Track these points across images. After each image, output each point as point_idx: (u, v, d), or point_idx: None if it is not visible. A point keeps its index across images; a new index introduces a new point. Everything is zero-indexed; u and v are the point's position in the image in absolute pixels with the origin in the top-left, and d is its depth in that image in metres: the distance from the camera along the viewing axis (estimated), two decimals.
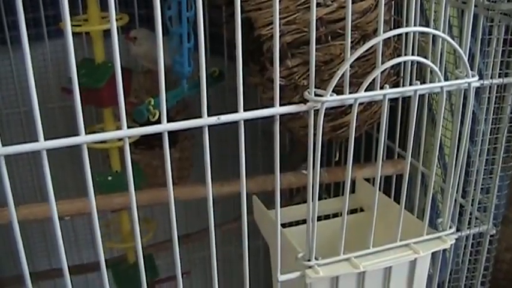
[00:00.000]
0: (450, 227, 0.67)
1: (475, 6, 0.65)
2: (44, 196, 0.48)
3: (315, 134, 0.53)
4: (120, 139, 0.49)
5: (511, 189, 0.84)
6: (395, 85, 0.78)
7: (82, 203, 0.71)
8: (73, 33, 0.45)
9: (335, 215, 0.80)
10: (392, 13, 0.78)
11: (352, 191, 0.83)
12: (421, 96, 0.72)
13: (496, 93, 0.74)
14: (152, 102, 0.70)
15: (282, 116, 0.53)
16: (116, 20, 0.46)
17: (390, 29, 0.73)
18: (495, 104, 0.75)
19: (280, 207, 0.57)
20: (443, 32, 0.58)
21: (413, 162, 0.75)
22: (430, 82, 0.59)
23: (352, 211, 0.82)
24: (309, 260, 0.60)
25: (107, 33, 0.63)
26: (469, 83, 0.59)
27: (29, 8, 1.03)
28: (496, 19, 0.71)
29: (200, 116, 0.50)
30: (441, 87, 0.58)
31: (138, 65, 1.01)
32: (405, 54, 0.74)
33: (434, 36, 0.66)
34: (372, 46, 0.52)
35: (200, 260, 1.35)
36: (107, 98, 0.79)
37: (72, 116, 0.46)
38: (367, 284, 0.64)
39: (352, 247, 0.62)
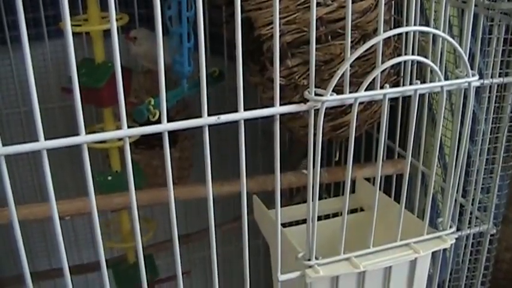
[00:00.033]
0: (450, 227, 0.67)
1: (475, 5, 0.65)
2: (44, 196, 0.48)
3: (315, 134, 0.53)
4: (120, 139, 0.49)
5: (511, 188, 0.84)
6: (396, 85, 0.78)
7: (82, 203, 0.71)
8: (73, 33, 0.45)
9: (335, 215, 0.80)
10: (393, 13, 0.78)
11: (353, 190, 0.83)
12: (421, 96, 0.72)
13: (496, 92, 0.74)
14: (152, 102, 0.70)
15: (282, 115, 0.53)
16: (116, 20, 0.46)
17: (390, 29, 0.73)
18: (495, 103, 0.75)
19: (281, 206, 0.57)
20: (444, 31, 0.58)
21: (413, 162, 0.75)
22: (430, 82, 0.59)
23: (353, 211, 0.82)
24: (309, 260, 0.60)
25: (107, 33, 0.63)
26: (469, 83, 0.59)
27: (29, 8, 1.03)
28: (496, 18, 0.71)
29: (200, 116, 0.50)
30: (441, 87, 0.58)
31: (138, 64, 1.01)
32: (405, 54, 0.74)
33: (434, 35, 0.66)
34: (372, 46, 0.52)
35: (200, 259, 1.35)
36: (107, 98, 0.79)
37: (72, 116, 0.46)
38: (367, 284, 0.64)
39: (352, 247, 0.62)
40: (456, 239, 0.69)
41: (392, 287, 0.66)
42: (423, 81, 0.62)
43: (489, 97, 0.74)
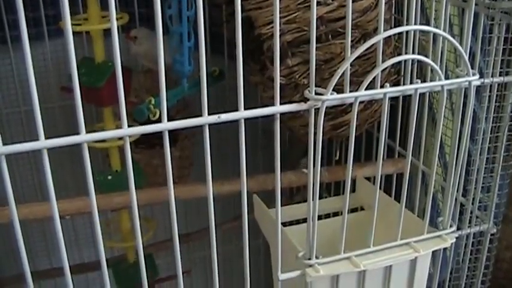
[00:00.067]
0: (451, 226, 0.67)
1: (476, 4, 0.65)
2: (45, 195, 0.48)
3: (315, 133, 0.53)
4: (120, 138, 0.49)
5: (511, 187, 0.84)
6: (396, 84, 0.78)
7: (82, 202, 0.71)
8: (73, 33, 0.45)
9: (335, 214, 0.80)
10: (393, 12, 0.78)
11: (353, 190, 0.83)
12: (422, 95, 0.72)
13: (497, 91, 0.74)
14: (153, 102, 0.70)
15: (282, 114, 0.53)
16: (116, 19, 0.45)
17: (391, 28, 0.73)
18: (496, 102, 0.75)
19: (281, 206, 0.57)
20: (444, 30, 0.58)
21: (413, 161, 0.75)
22: (431, 81, 0.59)
23: (353, 210, 0.82)
24: (309, 259, 0.60)
25: (107, 32, 0.63)
26: (470, 82, 0.59)
27: (29, 7, 1.03)
28: (497, 18, 0.70)
29: (200, 115, 0.50)
30: (442, 86, 0.58)
31: (139, 64, 1.01)
32: (406, 53, 0.74)
33: (434, 34, 0.66)
34: (372, 45, 0.52)
35: (200, 259, 1.35)
36: (107, 97, 0.79)
37: (72, 115, 0.46)
38: (367, 283, 0.64)
39: (352, 246, 0.62)
40: (456, 238, 0.69)
41: (392, 286, 0.66)
42: (423, 81, 0.62)
43: (489, 96, 0.74)
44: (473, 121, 0.75)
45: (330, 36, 0.69)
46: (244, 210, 0.55)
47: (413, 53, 0.73)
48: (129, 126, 0.48)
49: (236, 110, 0.51)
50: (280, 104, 0.53)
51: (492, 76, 0.72)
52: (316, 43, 0.55)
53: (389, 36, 0.61)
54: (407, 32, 0.70)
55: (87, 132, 0.47)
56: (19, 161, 1.14)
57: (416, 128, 0.61)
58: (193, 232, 1.12)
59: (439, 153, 0.77)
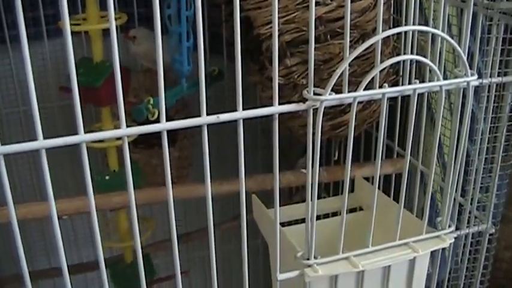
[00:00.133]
0: (449, 226, 0.67)
1: (474, 5, 0.65)
2: (43, 195, 0.48)
3: (314, 133, 0.53)
4: (119, 138, 0.49)
5: (510, 188, 0.84)
6: (395, 84, 0.78)
7: (81, 202, 0.71)
8: (72, 33, 0.45)
9: (334, 214, 0.80)
10: (392, 12, 0.78)
11: (352, 190, 0.83)
12: (420, 95, 0.72)
13: (495, 92, 0.74)
14: (151, 101, 0.70)
15: (281, 114, 0.53)
16: (115, 19, 0.46)
17: (389, 28, 0.73)
18: (494, 102, 0.75)
19: (280, 206, 0.58)
20: (443, 30, 0.58)
21: (412, 161, 0.75)
22: (429, 81, 0.59)
23: (352, 210, 0.82)
24: (308, 259, 0.60)
25: (106, 32, 0.63)
26: (468, 82, 0.59)
27: (28, 7, 1.02)
28: (495, 18, 0.71)
29: (199, 115, 0.50)
30: (440, 86, 0.58)
31: (138, 64, 1.01)
32: (404, 53, 0.74)
33: (433, 35, 0.66)
34: (371, 45, 0.52)
35: (199, 259, 1.35)
36: (105, 97, 0.79)
37: (71, 115, 0.46)
38: (366, 283, 0.64)
39: (351, 246, 0.62)
40: (455, 238, 0.69)
41: (391, 287, 0.66)
42: (422, 81, 0.62)
43: (488, 96, 0.74)
44: (472, 121, 0.75)
45: (328, 37, 0.69)
46: (243, 210, 0.55)
47: (411, 53, 0.73)
48: (127, 126, 0.48)
49: (235, 110, 0.51)
50: (279, 104, 0.53)
51: (490, 76, 0.72)
52: (315, 43, 0.55)
53: (388, 37, 0.61)
54: (405, 32, 0.70)
55: (86, 132, 0.47)
56: (18, 161, 1.14)
57: (414, 128, 0.61)
58: (192, 232, 1.12)
59: (437, 153, 0.77)
